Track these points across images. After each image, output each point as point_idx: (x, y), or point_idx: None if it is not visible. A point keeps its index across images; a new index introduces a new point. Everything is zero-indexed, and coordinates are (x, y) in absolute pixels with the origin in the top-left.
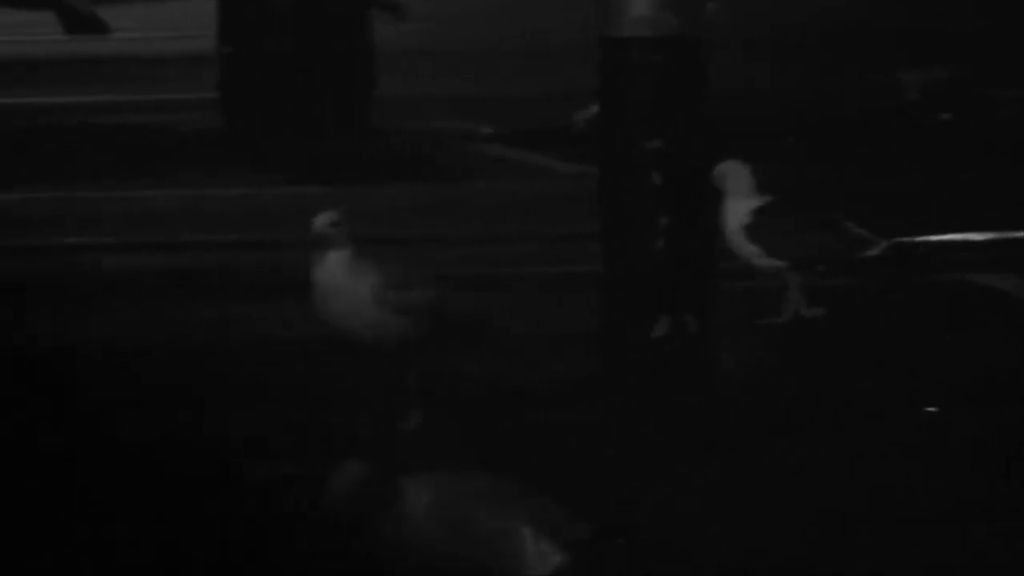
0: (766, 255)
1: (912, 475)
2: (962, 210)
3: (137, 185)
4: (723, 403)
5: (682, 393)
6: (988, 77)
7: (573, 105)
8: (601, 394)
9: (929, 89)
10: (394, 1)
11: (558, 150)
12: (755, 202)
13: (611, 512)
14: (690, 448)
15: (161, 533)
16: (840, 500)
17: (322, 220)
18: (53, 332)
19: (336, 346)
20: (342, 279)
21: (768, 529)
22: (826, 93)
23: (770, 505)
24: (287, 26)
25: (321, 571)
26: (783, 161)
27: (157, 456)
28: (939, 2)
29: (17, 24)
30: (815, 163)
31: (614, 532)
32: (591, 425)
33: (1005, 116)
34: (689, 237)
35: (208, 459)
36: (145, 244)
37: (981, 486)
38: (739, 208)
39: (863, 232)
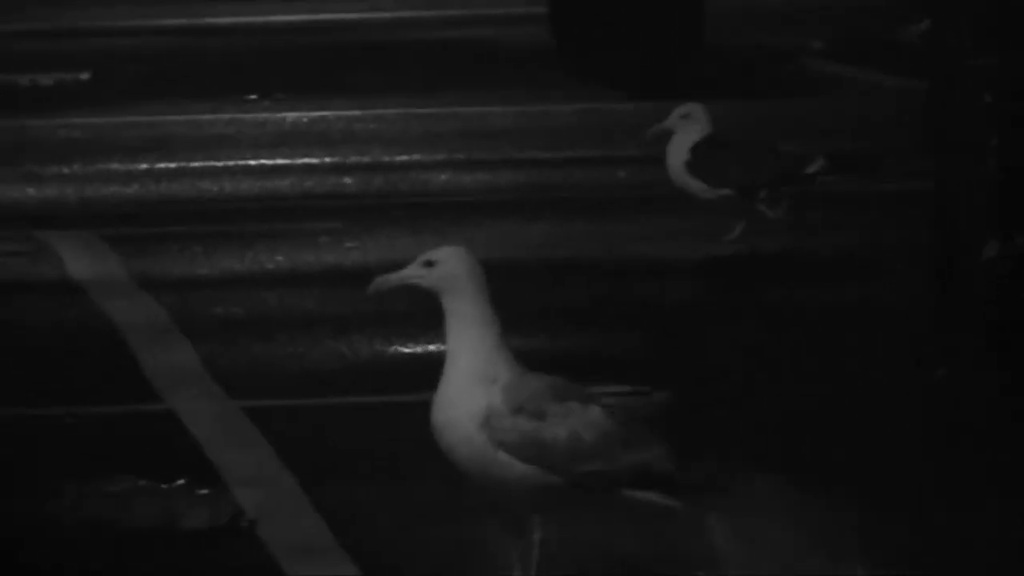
0: (711, 188)
1: None
2: None
3: (469, 101)
4: None
5: (1012, 314)
6: None
7: (905, 19)
8: (934, 317)
9: None
10: None
11: (888, 65)
12: (696, 136)
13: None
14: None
15: None
16: None
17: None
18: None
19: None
20: (454, 386)
21: None
22: None
23: None
24: None
25: None
26: None
27: None
28: None
29: None
30: None
31: None
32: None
33: None
34: (1019, 156)
35: None
36: (478, 161)
37: None
38: (684, 145)
39: (797, 151)
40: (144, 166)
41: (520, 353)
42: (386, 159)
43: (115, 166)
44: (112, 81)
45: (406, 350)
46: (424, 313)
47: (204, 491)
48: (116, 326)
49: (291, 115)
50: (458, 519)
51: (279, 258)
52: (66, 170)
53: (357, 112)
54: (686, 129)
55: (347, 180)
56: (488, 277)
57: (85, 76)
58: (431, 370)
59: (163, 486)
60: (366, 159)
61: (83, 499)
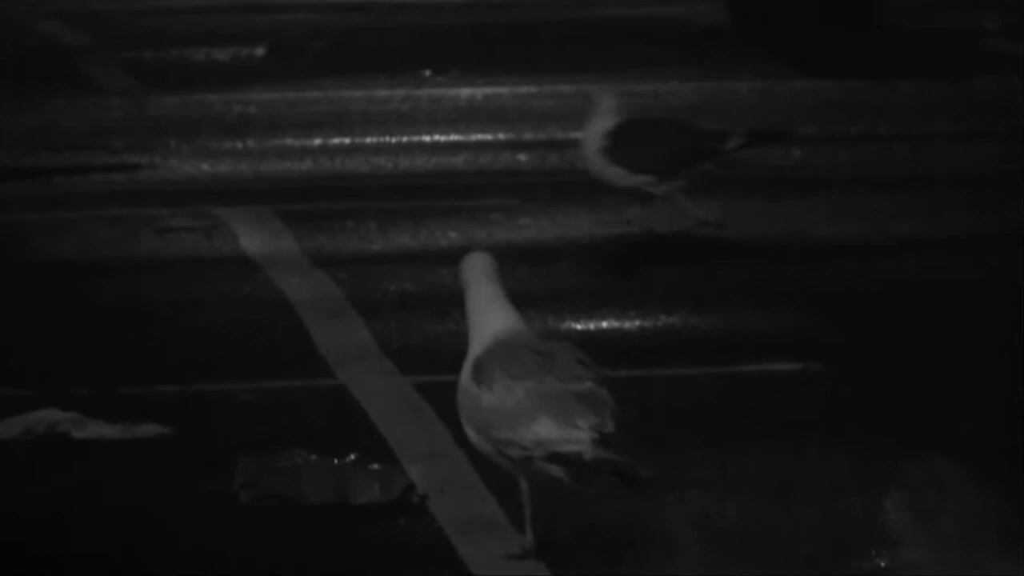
0: (629, 174)
1: None
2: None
3: (644, 78)
4: None
5: None
6: None
7: None
8: None
9: None
10: None
11: None
12: (610, 123)
13: None
14: None
15: None
16: None
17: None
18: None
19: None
20: (465, 375)
21: None
22: None
23: None
24: None
25: None
26: None
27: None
28: None
29: None
30: None
31: None
32: None
33: None
34: None
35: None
36: None
37: None
38: (598, 131)
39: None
40: (319, 142)
41: (686, 330)
42: (561, 136)
43: (290, 142)
44: (287, 57)
45: (578, 326)
46: (596, 290)
47: (376, 466)
48: (290, 302)
49: (466, 91)
50: (623, 495)
51: (452, 234)
52: (240, 146)
53: (533, 88)
54: (597, 114)
55: (521, 157)
56: (660, 253)
57: (261, 51)
58: (603, 346)
59: (335, 461)
60: (541, 136)
61: (258, 474)
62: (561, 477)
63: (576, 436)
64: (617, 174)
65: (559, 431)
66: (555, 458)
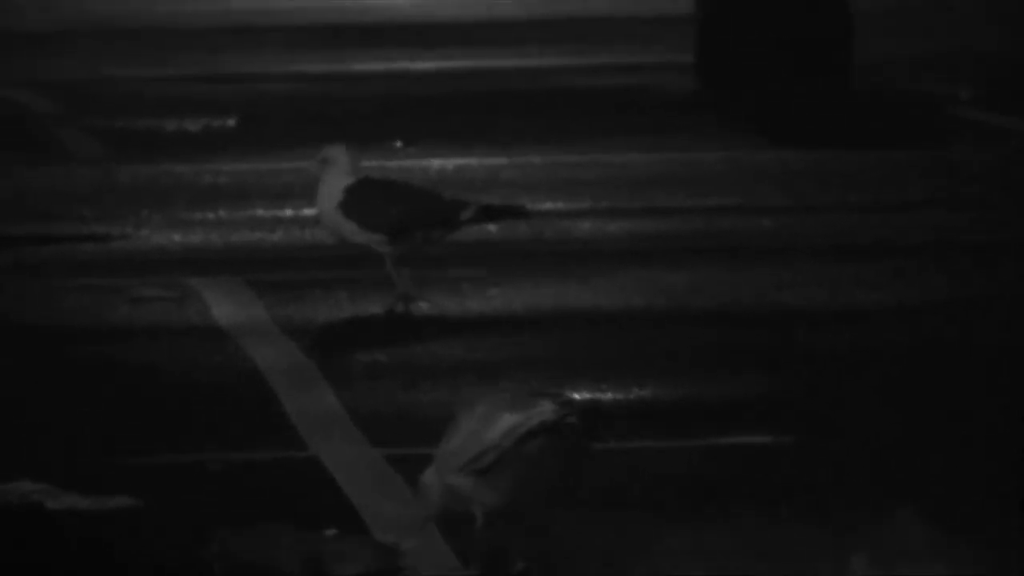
0: (362, 230)
1: None
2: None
3: (613, 148)
4: None
5: None
6: None
7: None
8: None
9: None
10: None
11: None
12: (348, 180)
13: None
14: None
15: None
16: None
17: None
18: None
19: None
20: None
21: None
22: None
23: None
24: None
25: None
26: None
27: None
28: None
29: None
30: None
31: None
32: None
33: None
34: None
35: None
36: (622, 209)
37: None
38: (335, 187)
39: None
40: (289, 212)
41: (657, 400)
42: (530, 206)
43: (260, 212)
44: (258, 127)
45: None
46: (569, 359)
47: (352, 539)
48: (261, 371)
49: (436, 162)
50: (611, 560)
51: (423, 304)
52: (211, 216)
53: (503, 160)
54: (332, 173)
55: (491, 227)
56: (629, 324)
57: (231, 122)
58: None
59: (309, 533)
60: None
61: (231, 545)
62: (542, 453)
63: (539, 408)
64: (351, 229)
65: (522, 415)
66: (527, 437)
